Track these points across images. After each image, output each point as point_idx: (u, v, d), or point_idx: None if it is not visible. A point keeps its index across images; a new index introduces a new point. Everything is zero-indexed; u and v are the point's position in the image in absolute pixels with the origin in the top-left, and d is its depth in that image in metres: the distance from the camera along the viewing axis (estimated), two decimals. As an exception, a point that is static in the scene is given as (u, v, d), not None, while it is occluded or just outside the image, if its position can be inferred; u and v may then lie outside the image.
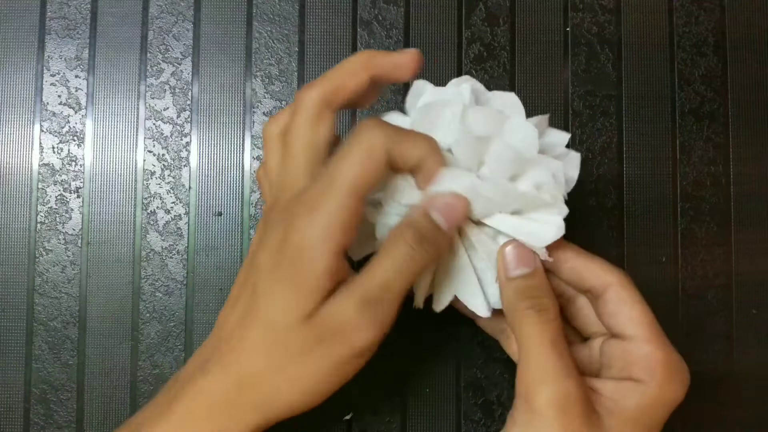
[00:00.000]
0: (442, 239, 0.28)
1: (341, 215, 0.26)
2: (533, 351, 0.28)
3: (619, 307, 0.29)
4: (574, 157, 0.31)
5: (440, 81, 0.38)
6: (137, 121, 0.38)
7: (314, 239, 0.26)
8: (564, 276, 0.31)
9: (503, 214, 0.29)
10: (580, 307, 0.31)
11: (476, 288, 0.30)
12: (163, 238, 0.37)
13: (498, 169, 0.29)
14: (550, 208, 0.29)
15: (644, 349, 0.28)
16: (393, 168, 0.28)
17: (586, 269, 0.30)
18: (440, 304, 0.31)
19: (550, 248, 0.30)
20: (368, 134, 0.27)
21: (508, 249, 0.29)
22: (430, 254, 0.28)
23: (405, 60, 0.29)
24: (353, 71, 0.29)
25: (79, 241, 0.37)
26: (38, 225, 0.37)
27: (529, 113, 0.38)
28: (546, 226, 0.29)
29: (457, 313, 0.32)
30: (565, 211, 0.29)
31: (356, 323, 0.27)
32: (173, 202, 0.37)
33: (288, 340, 0.27)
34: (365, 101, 0.31)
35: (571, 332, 0.32)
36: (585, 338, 0.32)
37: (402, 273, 0.27)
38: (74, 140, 0.38)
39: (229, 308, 0.29)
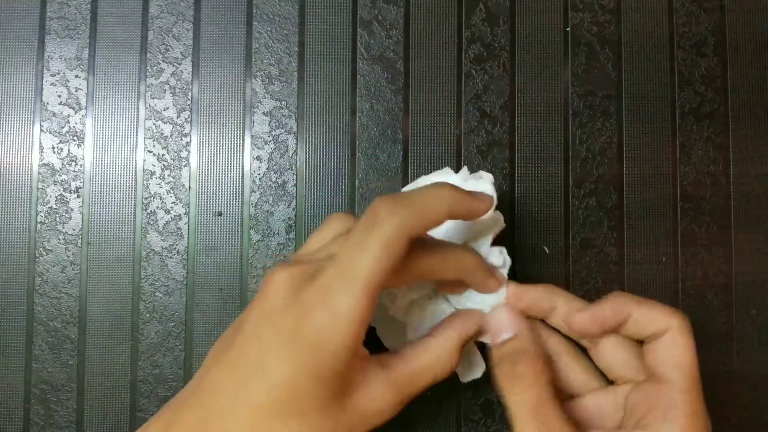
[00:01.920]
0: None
1: (362, 314, 0.25)
2: (516, 420, 0.28)
3: (671, 350, 0.28)
4: (485, 176, 0.32)
5: (440, 81, 0.38)
6: (137, 121, 0.38)
7: (332, 339, 0.25)
8: (627, 331, 0.30)
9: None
10: (608, 349, 0.30)
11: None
12: (163, 238, 0.37)
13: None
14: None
15: (678, 396, 0.28)
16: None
17: (648, 317, 0.29)
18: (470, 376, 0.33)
19: (611, 310, 0.29)
20: (388, 220, 0.25)
21: (498, 314, 0.30)
22: (460, 361, 0.30)
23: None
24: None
25: (79, 241, 0.37)
26: (38, 225, 0.37)
27: (530, 113, 0.38)
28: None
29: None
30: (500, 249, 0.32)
31: (391, 414, 0.28)
32: (173, 202, 0.37)
33: (314, 411, 0.26)
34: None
35: (588, 380, 0.31)
36: (610, 382, 0.31)
37: (437, 376, 0.29)
38: (74, 140, 0.38)
39: (224, 374, 0.27)
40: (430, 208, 0.26)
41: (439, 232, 0.31)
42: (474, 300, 0.31)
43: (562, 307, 0.30)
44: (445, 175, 0.33)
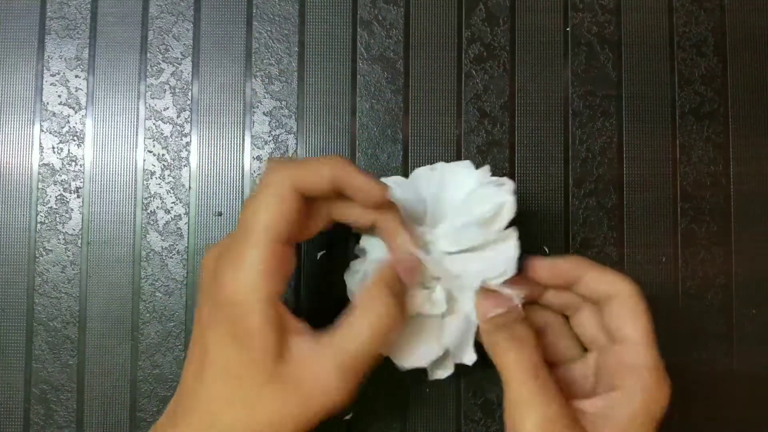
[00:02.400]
0: (404, 296, 0.30)
1: (264, 263, 0.26)
2: (514, 380, 0.29)
3: (624, 312, 0.30)
4: (507, 184, 0.32)
5: (440, 81, 0.38)
6: (137, 121, 0.38)
7: (243, 291, 0.26)
8: (580, 290, 0.32)
9: (461, 261, 0.32)
10: (584, 319, 0.33)
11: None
12: (163, 238, 0.37)
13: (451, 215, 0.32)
14: (498, 242, 0.32)
15: (637, 353, 0.29)
16: (310, 197, 0.28)
17: (600, 280, 0.31)
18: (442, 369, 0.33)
19: (569, 265, 0.32)
20: (272, 176, 0.28)
21: (483, 297, 0.31)
22: (401, 313, 0.28)
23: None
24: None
25: (79, 241, 0.37)
26: (38, 225, 0.37)
27: (530, 113, 0.38)
28: (498, 259, 0.32)
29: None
30: (514, 235, 0.32)
31: (331, 388, 0.27)
32: (173, 202, 0.37)
33: (254, 395, 0.26)
34: (313, 223, 0.30)
35: (570, 347, 0.33)
36: (585, 351, 0.33)
37: (378, 338, 0.27)
38: (74, 140, 0.38)
39: (188, 362, 0.29)
40: (312, 167, 0.28)
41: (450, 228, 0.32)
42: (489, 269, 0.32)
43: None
44: (464, 168, 0.33)
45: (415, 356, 0.32)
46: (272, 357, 0.26)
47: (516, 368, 0.29)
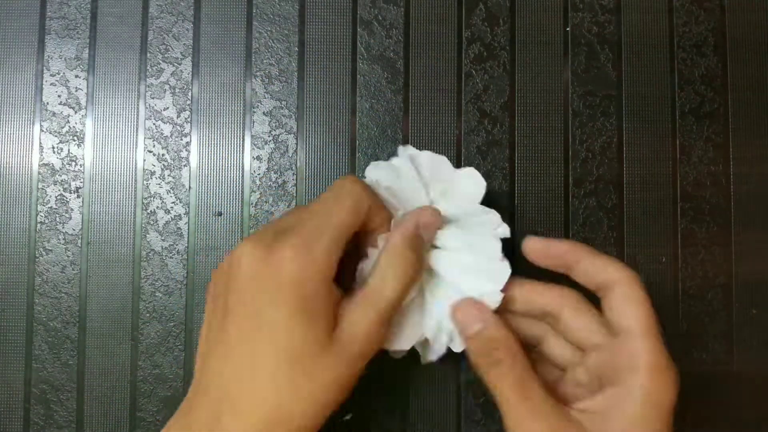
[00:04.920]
0: (422, 249, 0.31)
1: (335, 254, 0.29)
2: (502, 402, 0.29)
3: (623, 302, 0.30)
4: (474, 175, 0.33)
5: (440, 81, 0.38)
6: (137, 121, 0.38)
7: (313, 278, 0.28)
8: (577, 276, 0.31)
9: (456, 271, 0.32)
10: (569, 318, 0.32)
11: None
12: (163, 238, 0.37)
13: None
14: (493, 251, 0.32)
15: (635, 344, 0.29)
16: (361, 225, 0.30)
17: (597, 267, 0.31)
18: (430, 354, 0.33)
19: (565, 248, 0.32)
20: (356, 189, 0.30)
21: (457, 312, 0.31)
22: (421, 264, 0.31)
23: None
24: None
25: (79, 241, 0.37)
26: (38, 225, 0.37)
27: (530, 113, 0.38)
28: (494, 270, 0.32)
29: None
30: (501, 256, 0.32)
31: (375, 339, 0.29)
32: (173, 202, 0.37)
33: (313, 366, 0.28)
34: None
35: (569, 351, 0.32)
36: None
37: (406, 288, 0.30)
38: (74, 140, 0.38)
39: (216, 357, 0.29)
40: (380, 216, 0.31)
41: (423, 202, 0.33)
42: (470, 287, 0.32)
43: (520, 293, 0.32)
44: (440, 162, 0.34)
45: (401, 338, 0.32)
46: (332, 327, 0.28)
47: (505, 390, 0.29)
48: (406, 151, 0.34)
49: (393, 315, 0.30)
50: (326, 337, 0.28)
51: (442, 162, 0.33)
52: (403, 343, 0.32)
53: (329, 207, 0.30)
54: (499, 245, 0.32)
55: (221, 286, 0.29)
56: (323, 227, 0.29)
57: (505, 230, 0.32)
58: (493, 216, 0.32)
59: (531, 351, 0.33)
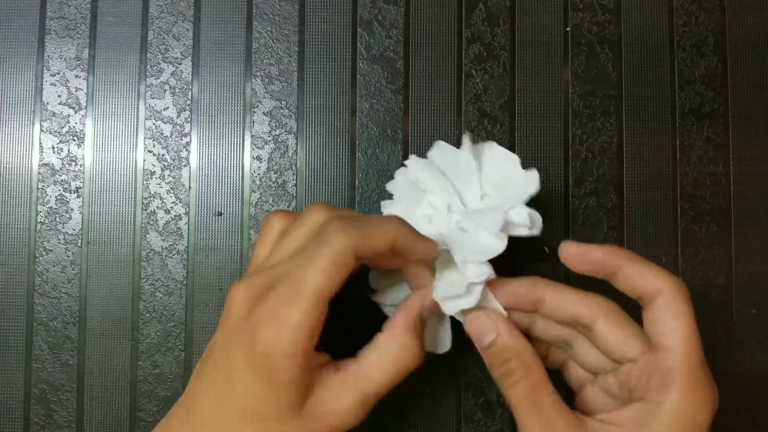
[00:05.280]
0: (423, 331, 0.30)
1: (311, 322, 0.27)
2: (517, 413, 0.29)
3: (663, 315, 0.28)
4: (532, 176, 0.32)
5: (440, 81, 0.38)
6: (137, 121, 0.38)
7: (282, 346, 0.27)
8: (618, 284, 0.30)
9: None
10: (603, 330, 0.30)
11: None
12: (163, 238, 0.37)
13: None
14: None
15: (672, 362, 0.28)
16: (365, 261, 0.29)
17: (638, 275, 0.29)
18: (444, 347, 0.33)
19: (604, 255, 0.30)
20: (336, 239, 0.27)
21: (469, 324, 0.30)
22: (421, 349, 0.29)
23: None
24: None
25: (79, 241, 0.37)
26: (38, 225, 0.37)
27: (530, 113, 0.38)
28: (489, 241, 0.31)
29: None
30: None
31: (354, 417, 0.28)
32: (173, 202, 0.37)
33: (276, 427, 0.27)
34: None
35: (601, 359, 0.31)
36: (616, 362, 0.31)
37: (401, 374, 0.29)
38: (74, 140, 0.38)
39: (201, 392, 0.29)
40: (377, 236, 0.28)
41: (475, 198, 0.33)
42: (465, 300, 0.31)
43: (550, 298, 0.30)
44: (504, 156, 0.33)
45: (436, 342, 0.32)
46: (302, 396, 0.27)
47: (516, 401, 0.29)
48: (468, 144, 0.33)
49: (377, 401, 0.28)
50: (293, 406, 0.27)
51: (513, 161, 0.33)
52: (439, 348, 0.32)
53: (305, 267, 0.27)
54: (501, 221, 0.31)
55: (221, 318, 0.30)
56: (297, 295, 0.27)
57: (519, 216, 0.31)
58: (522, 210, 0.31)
59: (562, 350, 0.33)
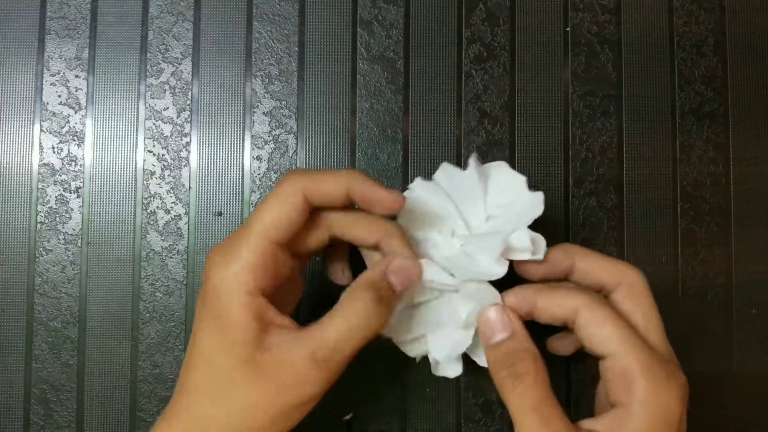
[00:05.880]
0: (395, 302, 0.29)
1: (255, 258, 0.27)
2: (517, 420, 0.28)
3: (590, 329, 0.29)
4: (537, 197, 0.32)
5: (440, 81, 0.38)
6: (137, 121, 0.38)
7: (227, 282, 0.27)
8: (576, 279, 0.31)
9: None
10: (586, 325, 0.30)
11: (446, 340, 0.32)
12: (163, 238, 0.37)
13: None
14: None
15: (620, 365, 0.28)
16: (317, 206, 0.29)
17: (595, 268, 0.30)
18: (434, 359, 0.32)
19: (557, 256, 0.31)
20: (285, 181, 0.28)
21: (490, 315, 0.30)
22: (384, 317, 0.28)
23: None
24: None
25: (79, 241, 0.37)
26: (38, 225, 0.37)
27: (530, 113, 0.38)
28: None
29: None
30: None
31: (304, 377, 0.27)
32: (173, 202, 0.37)
33: (230, 382, 0.27)
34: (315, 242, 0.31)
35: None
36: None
37: (356, 335, 0.28)
38: (74, 140, 0.38)
39: (183, 366, 0.29)
40: (328, 177, 0.29)
41: (480, 220, 0.32)
42: (477, 298, 0.31)
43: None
44: (510, 175, 0.33)
45: (400, 330, 0.32)
46: (252, 346, 0.27)
47: (519, 409, 0.28)
48: (476, 164, 0.33)
49: (338, 362, 0.27)
50: (246, 355, 0.27)
51: (520, 181, 0.32)
52: (450, 372, 0.32)
53: (257, 210, 0.28)
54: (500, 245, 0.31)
55: None
56: (245, 235, 0.28)
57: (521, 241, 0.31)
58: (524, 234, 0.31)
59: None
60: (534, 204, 0.32)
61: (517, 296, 0.30)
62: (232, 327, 0.27)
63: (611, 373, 0.28)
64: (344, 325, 0.27)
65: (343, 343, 0.27)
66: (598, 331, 0.28)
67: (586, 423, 0.29)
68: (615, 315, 0.28)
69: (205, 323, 0.28)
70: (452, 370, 0.32)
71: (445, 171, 0.33)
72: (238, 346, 0.27)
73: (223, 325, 0.27)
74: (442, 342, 0.32)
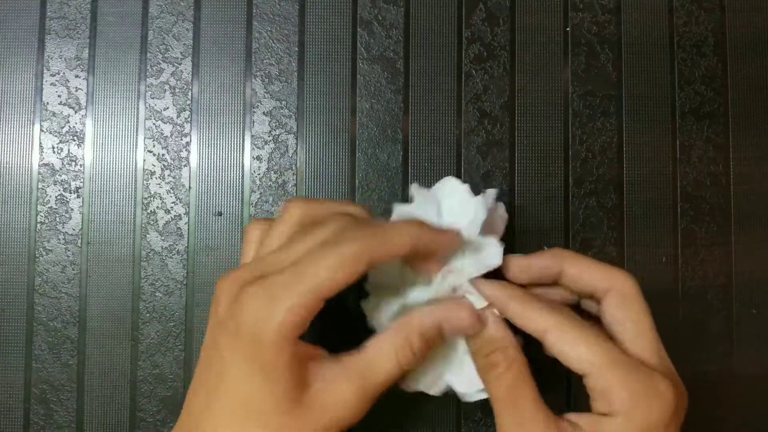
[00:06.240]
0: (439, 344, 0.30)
1: (300, 311, 0.26)
2: (495, 407, 0.29)
3: (562, 348, 0.28)
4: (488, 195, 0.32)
5: (440, 81, 0.38)
6: (137, 121, 0.38)
7: (272, 333, 0.26)
8: (566, 284, 0.31)
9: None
10: (556, 339, 0.30)
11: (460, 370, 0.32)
12: (163, 238, 0.37)
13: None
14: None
15: (598, 383, 0.28)
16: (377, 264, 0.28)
17: (586, 275, 0.30)
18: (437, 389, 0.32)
19: (546, 261, 0.30)
20: (351, 241, 0.26)
21: (456, 311, 0.30)
22: (422, 358, 0.29)
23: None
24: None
25: (79, 241, 0.37)
26: (38, 225, 0.37)
27: (530, 113, 0.38)
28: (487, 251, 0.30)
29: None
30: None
31: (354, 409, 0.27)
32: (173, 202, 0.37)
33: (273, 425, 0.26)
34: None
35: None
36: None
37: (401, 369, 0.28)
38: (74, 140, 0.38)
39: (193, 393, 0.28)
40: (393, 242, 0.27)
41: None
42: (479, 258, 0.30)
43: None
44: (448, 184, 0.32)
45: (420, 381, 0.31)
46: (295, 390, 0.26)
47: (495, 395, 0.29)
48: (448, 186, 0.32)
49: (378, 394, 0.27)
50: (289, 398, 0.26)
51: (462, 189, 0.32)
52: (421, 385, 0.31)
53: (310, 260, 0.26)
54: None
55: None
56: (296, 282, 0.26)
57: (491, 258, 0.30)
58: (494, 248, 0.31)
59: None
60: (479, 207, 0.31)
61: (492, 292, 0.30)
62: (281, 374, 0.26)
63: (589, 388, 0.28)
64: (393, 359, 0.28)
65: (390, 380, 0.28)
66: (570, 351, 0.28)
67: (571, 416, 0.29)
68: (587, 333, 0.28)
69: (238, 367, 0.26)
70: (481, 393, 0.32)
71: (418, 192, 0.32)
72: (286, 391, 0.26)
73: (265, 368, 0.26)
74: (461, 376, 0.31)
